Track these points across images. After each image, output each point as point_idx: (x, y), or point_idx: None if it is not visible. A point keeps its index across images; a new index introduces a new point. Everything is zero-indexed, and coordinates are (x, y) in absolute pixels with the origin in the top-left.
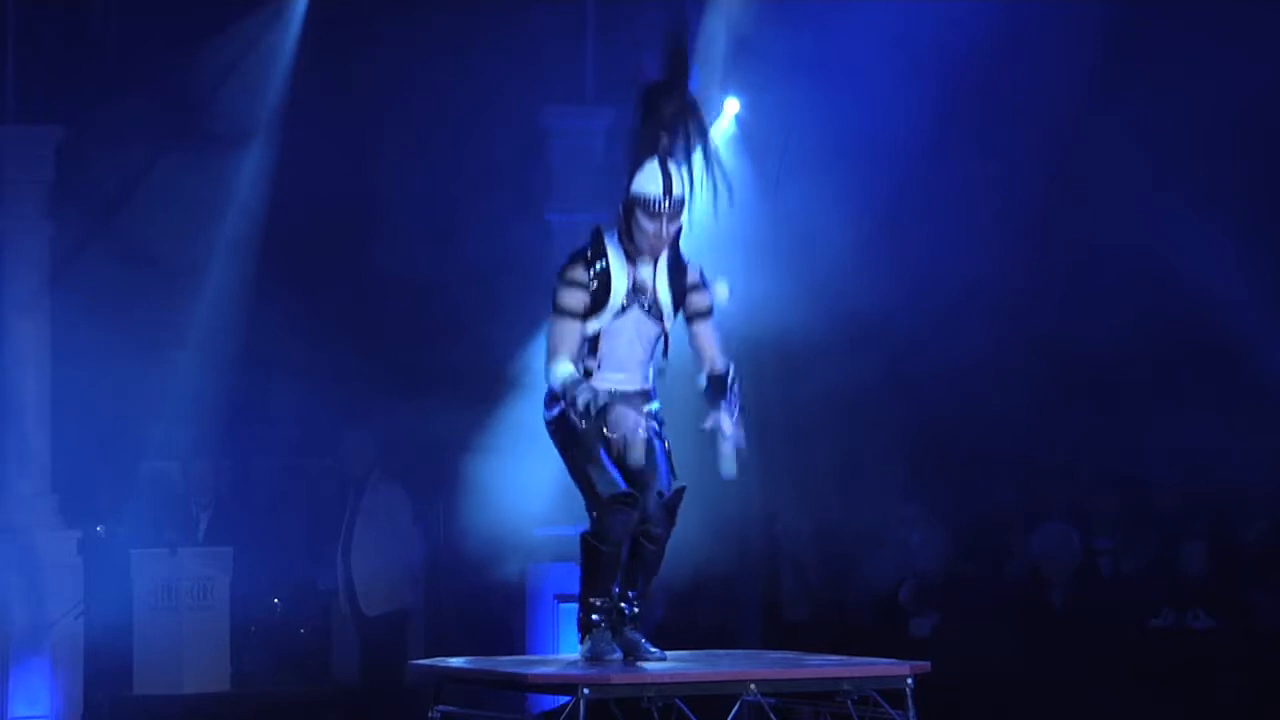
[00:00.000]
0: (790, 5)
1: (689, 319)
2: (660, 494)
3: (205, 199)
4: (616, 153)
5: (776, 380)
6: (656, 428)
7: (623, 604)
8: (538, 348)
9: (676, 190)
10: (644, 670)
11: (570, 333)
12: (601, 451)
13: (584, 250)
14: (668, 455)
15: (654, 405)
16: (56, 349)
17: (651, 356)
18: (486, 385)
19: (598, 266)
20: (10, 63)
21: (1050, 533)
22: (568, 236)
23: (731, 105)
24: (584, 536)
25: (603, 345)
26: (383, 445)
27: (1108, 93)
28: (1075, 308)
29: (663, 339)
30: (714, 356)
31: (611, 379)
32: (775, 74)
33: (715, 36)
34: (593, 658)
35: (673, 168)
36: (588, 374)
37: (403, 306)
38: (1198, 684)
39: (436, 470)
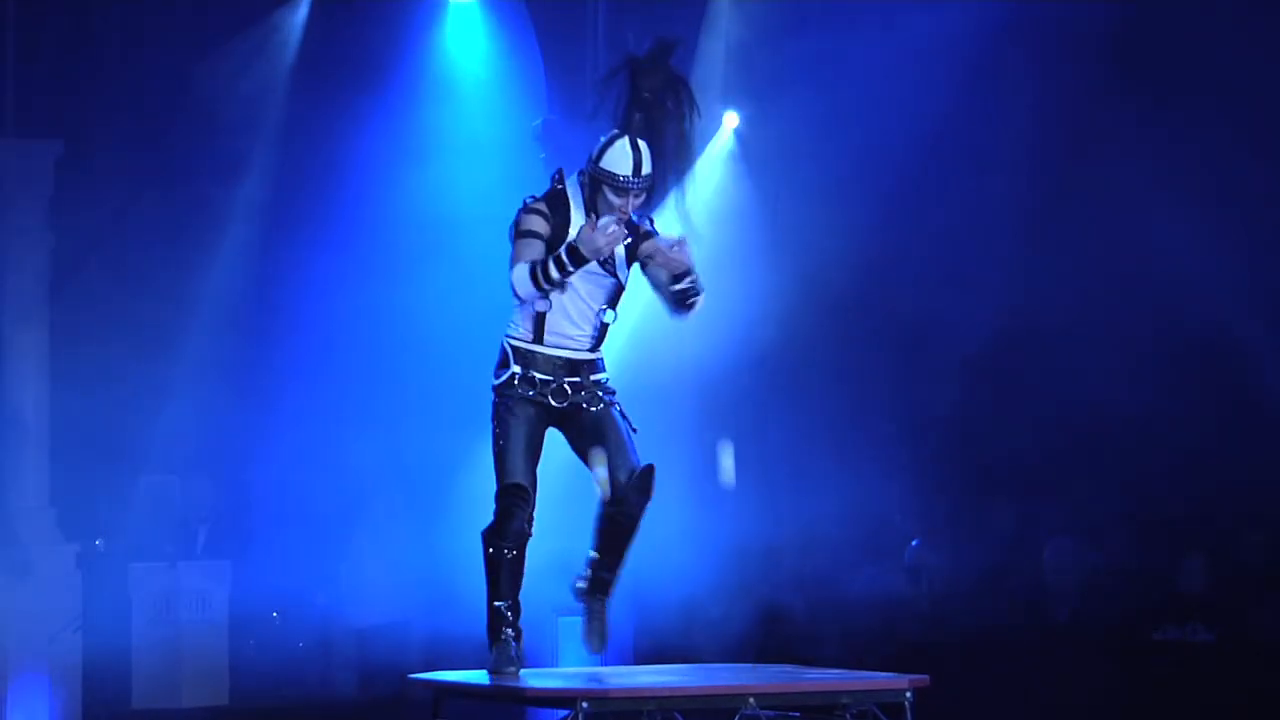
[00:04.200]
0: (789, 17)
1: (643, 265)
2: (632, 472)
3: (205, 213)
4: None
5: (777, 390)
6: (611, 399)
7: (603, 572)
8: None
9: (645, 169)
10: (643, 684)
11: (533, 247)
12: (523, 435)
13: (547, 194)
14: (626, 421)
15: (604, 375)
16: (55, 362)
17: (602, 312)
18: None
19: (559, 215)
20: (10, 77)
21: (1062, 547)
22: None
23: (730, 119)
24: (484, 533)
25: (554, 301)
26: (382, 459)
27: (1110, 100)
28: (1075, 318)
29: (618, 291)
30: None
31: (562, 338)
32: (773, 87)
33: (713, 49)
34: (494, 671)
35: (642, 146)
36: (538, 339)
37: (404, 319)
38: (1197, 698)
39: (438, 483)
